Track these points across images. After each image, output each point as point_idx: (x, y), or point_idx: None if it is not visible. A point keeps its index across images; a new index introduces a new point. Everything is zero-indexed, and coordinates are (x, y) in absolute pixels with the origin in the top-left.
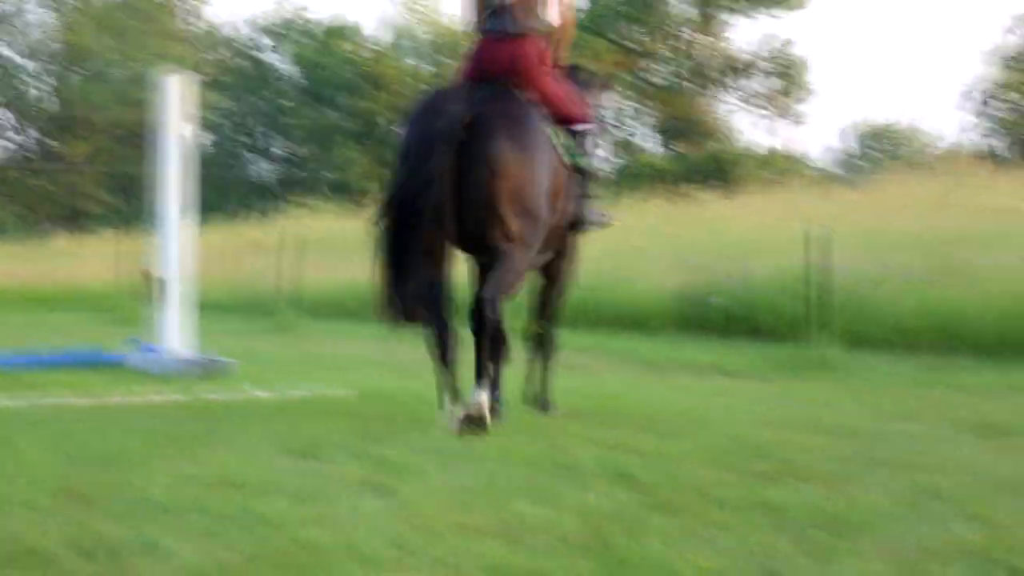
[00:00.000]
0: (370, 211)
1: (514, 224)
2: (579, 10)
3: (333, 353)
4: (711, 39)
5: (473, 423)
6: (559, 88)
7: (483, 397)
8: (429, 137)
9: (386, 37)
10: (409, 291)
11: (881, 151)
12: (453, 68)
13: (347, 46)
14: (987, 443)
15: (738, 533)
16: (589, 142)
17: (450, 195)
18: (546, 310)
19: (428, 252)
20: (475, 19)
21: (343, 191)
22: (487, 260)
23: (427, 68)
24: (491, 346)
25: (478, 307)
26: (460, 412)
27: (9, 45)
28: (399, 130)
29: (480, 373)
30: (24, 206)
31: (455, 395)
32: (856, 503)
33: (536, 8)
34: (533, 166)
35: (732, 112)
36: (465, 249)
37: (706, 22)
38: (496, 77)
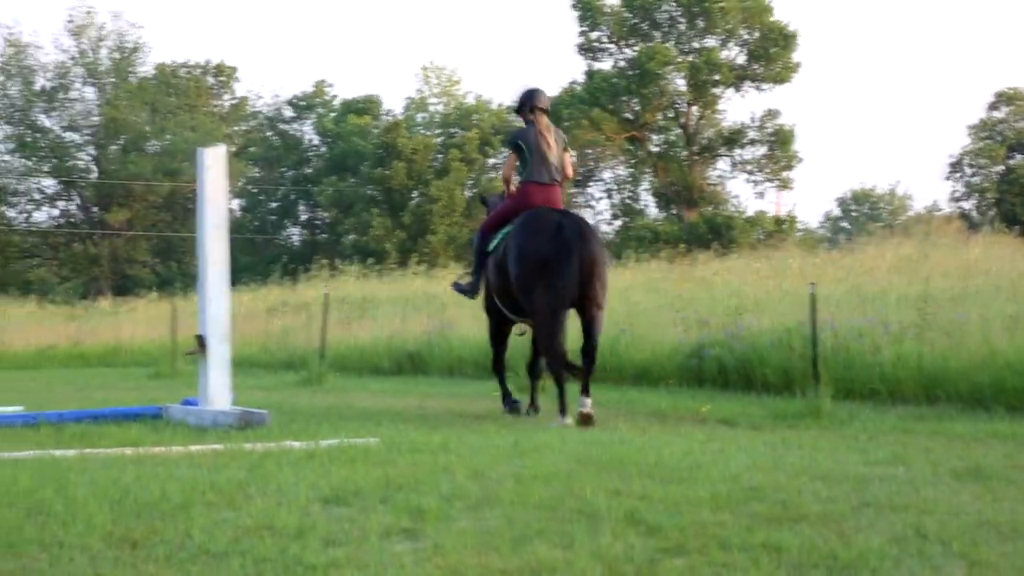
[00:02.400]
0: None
1: (602, 297)
2: (576, 83)
3: (364, 406)
4: (703, 110)
5: (589, 420)
6: None
7: (590, 402)
8: (565, 244)
9: (407, 110)
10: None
11: (863, 214)
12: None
13: (366, 118)
14: (969, 486)
15: (742, 572)
16: None
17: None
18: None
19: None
20: (523, 170)
21: (370, 255)
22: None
23: (439, 139)
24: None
25: (591, 349)
26: (578, 412)
27: (54, 118)
28: (519, 237)
29: (587, 388)
30: (71, 270)
31: (566, 405)
32: (849, 542)
33: (559, 165)
34: (607, 260)
35: (725, 178)
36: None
37: (698, 95)
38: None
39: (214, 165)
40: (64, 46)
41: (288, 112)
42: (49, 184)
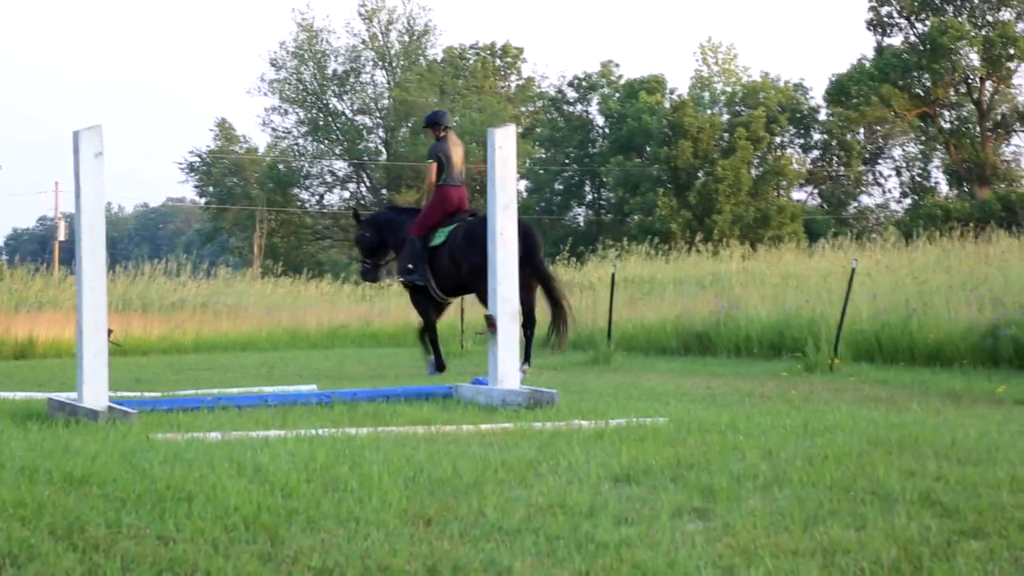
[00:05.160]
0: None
1: None
2: (865, 59)
3: (652, 385)
4: (997, 85)
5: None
6: None
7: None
8: (529, 242)
9: (692, 89)
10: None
11: None
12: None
13: (651, 98)
14: None
15: None
16: None
17: None
18: None
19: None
20: (441, 176)
21: (656, 234)
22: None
23: (725, 117)
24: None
25: (532, 323)
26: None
27: (346, 102)
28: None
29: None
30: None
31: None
32: None
33: (462, 170)
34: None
35: (1020, 155)
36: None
37: (992, 69)
38: (461, 206)
39: (504, 145)
40: (355, 30)
41: (573, 93)
42: (340, 167)
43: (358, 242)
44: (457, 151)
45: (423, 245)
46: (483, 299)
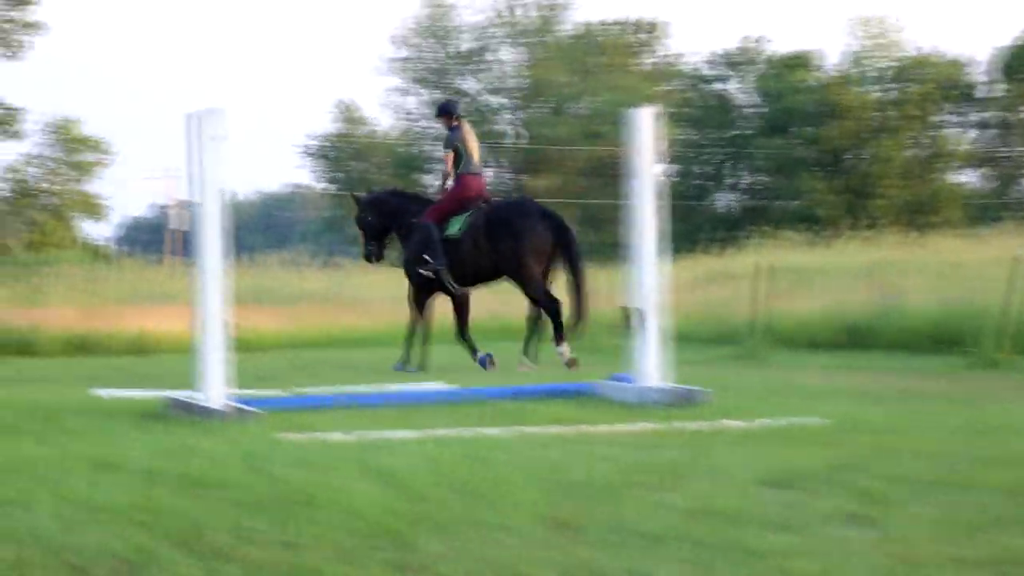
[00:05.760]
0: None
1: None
2: None
3: (804, 382)
4: None
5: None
6: None
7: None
8: (561, 227)
9: (846, 65)
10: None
11: None
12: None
13: (806, 75)
14: None
15: None
16: None
17: None
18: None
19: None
20: (460, 165)
21: (807, 220)
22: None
23: (886, 95)
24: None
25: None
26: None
27: (479, 81)
28: (517, 220)
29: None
30: None
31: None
32: None
33: (480, 159)
34: None
35: None
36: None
37: None
38: (480, 196)
39: (647, 127)
40: (486, 6)
41: (719, 71)
42: None
43: (361, 225)
44: (472, 140)
45: (440, 233)
46: (523, 284)
